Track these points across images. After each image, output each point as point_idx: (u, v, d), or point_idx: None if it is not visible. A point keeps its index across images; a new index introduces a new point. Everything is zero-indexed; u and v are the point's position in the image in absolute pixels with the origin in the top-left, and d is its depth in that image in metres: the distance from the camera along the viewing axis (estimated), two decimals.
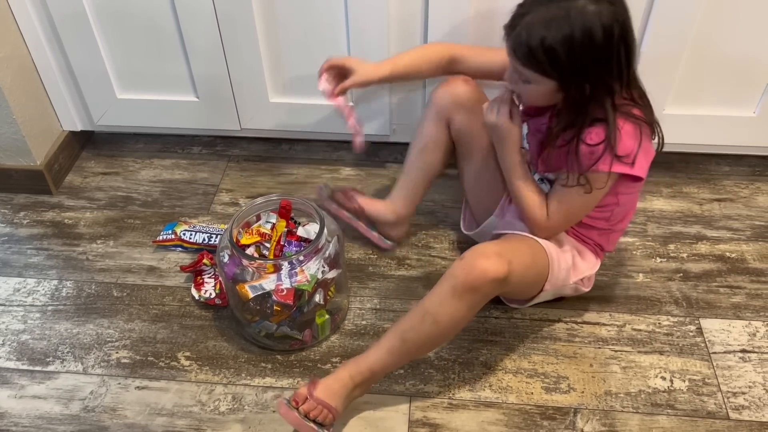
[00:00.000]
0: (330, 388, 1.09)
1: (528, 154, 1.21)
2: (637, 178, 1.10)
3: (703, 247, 1.46)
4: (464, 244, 1.47)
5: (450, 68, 1.29)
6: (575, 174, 1.09)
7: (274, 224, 1.29)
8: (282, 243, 1.28)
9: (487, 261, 1.06)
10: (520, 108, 1.16)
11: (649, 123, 1.09)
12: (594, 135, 1.05)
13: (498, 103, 1.15)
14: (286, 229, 1.29)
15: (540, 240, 1.18)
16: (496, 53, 1.21)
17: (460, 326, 1.12)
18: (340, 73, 1.26)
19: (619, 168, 1.07)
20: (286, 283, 1.17)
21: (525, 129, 1.20)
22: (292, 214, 1.31)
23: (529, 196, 1.17)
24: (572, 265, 1.21)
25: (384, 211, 1.38)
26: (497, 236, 1.28)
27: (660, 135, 1.12)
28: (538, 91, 1.06)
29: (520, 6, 1.02)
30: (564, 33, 0.97)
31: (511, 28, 1.02)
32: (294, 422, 1.07)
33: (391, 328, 1.12)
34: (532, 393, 1.21)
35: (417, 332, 1.10)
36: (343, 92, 1.25)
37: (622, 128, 1.05)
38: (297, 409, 1.07)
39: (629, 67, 1.03)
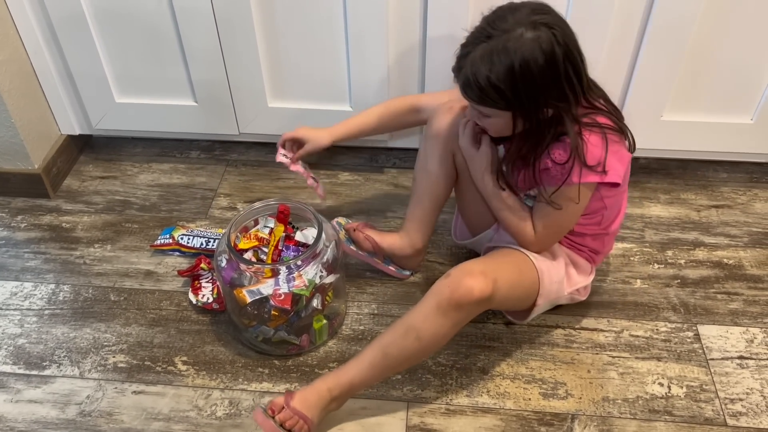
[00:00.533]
0: (307, 399, 1.09)
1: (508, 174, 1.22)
2: (614, 184, 1.10)
3: (700, 254, 1.47)
4: (462, 249, 1.47)
5: (414, 118, 1.34)
6: (550, 189, 1.09)
7: (272, 229, 1.29)
8: (280, 248, 1.28)
9: (473, 280, 1.07)
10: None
11: (616, 127, 1.08)
12: (562, 151, 1.06)
13: (463, 126, 1.17)
14: (284, 234, 1.29)
15: (529, 254, 1.18)
16: (457, 92, 1.22)
17: (442, 343, 1.12)
18: (296, 143, 1.36)
19: (591, 177, 1.07)
20: (283, 288, 1.16)
21: (502, 150, 1.20)
22: (291, 219, 1.31)
23: (511, 216, 1.17)
24: (566, 277, 1.22)
25: (401, 246, 1.34)
26: (490, 247, 1.28)
27: (630, 136, 1.11)
28: (500, 123, 1.06)
29: (463, 46, 1.03)
30: (506, 66, 0.97)
31: (458, 69, 1.03)
32: (270, 431, 1.07)
33: (372, 343, 1.12)
34: (529, 399, 1.20)
35: (399, 347, 1.09)
36: (299, 160, 1.37)
37: (588, 140, 1.05)
38: (273, 417, 1.07)
39: (581, 82, 1.03)
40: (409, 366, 1.19)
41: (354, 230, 1.35)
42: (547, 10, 1.01)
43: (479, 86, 1.00)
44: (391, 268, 1.40)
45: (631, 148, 1.12)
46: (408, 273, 1.42)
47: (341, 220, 1.39)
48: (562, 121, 1.04)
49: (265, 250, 1.27)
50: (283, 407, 1.08)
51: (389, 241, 1.35)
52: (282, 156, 1.36)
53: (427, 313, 1.08)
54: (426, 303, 1.09)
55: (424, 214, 1.33)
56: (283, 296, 1.17)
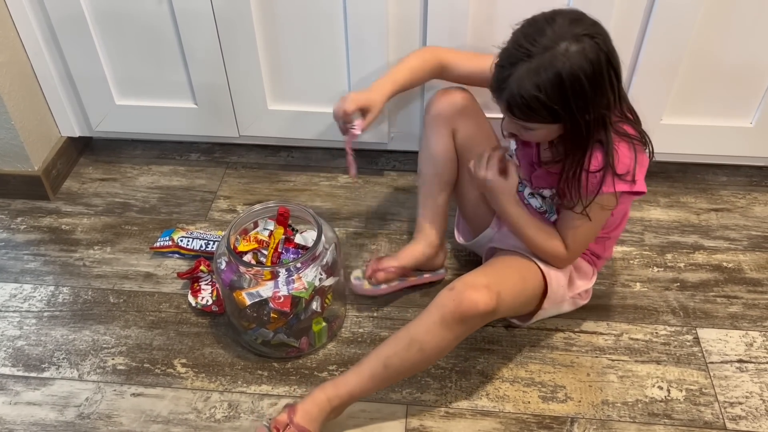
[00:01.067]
0: (309, 413, 1.08)
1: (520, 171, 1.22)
2: (638, 193, 1.10)
3: (700, 257, 1.47)
4: (462, 252, 1.47)
5: (440, 74, 1.28)
6: (585, 199, 1.08)
7: (271, 231, 1.29)
8: (279, 250, 1.28)
9: (477, 294, 1.06)
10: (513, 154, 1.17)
11: (640, 137, 1.09)
12: (594, 160, 1.05)
13: (486, 159, 1.16)
14: (283, 237, 1.29)
15: (536, 258, 1.18)
16: (486, 59, 1.17)
17: (444, 354, 1.12)
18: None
19: (622, 187, 1.07)
20: (283, 291, 1.16)
21: (513, 145, 1.20)
22: (290, 222, 1.31)
23: (540, 236, 1.16)
24: (568, 281, 1.22)
25: (420, 251, 1.32)
26: (492, 249, 1.28)
27: (650, 146, 1.12)
28: (543, 134, 1.06)
29: (500, 68, 1.01)
30: (555, 82, 0.96)
31: (500, 91, 1.01)
32: None
33: (372, 353, 1.11)
34: (529, 402, 1.20)
35: (401, 359, 1.09)
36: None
37: (618, 148, 1.05)
38: None
39: (619, 84, 1.03)
40: (410, 376, 1.19)
41: (374, 272, 1.31)
42: (582, 17, 0.99)
43: (527, 105, 0.98)
44: (426, 276, 1.37)
45: (651, 155, 1.13)
46: (443, 271, 1.39)
47: (357, 273, 1.35)
48: (604, 126, 1.03)
49: (265, 252, 1.27)
50: (288, 424, 1.07)
51: (407, 255, 1.32)
52: (358, 130, 1.19)
53: (431, 326, 1.08)
54: (429, 315, 1.08)
55: (436, 205, 1.32)
56: (282, 299, 1.16)
